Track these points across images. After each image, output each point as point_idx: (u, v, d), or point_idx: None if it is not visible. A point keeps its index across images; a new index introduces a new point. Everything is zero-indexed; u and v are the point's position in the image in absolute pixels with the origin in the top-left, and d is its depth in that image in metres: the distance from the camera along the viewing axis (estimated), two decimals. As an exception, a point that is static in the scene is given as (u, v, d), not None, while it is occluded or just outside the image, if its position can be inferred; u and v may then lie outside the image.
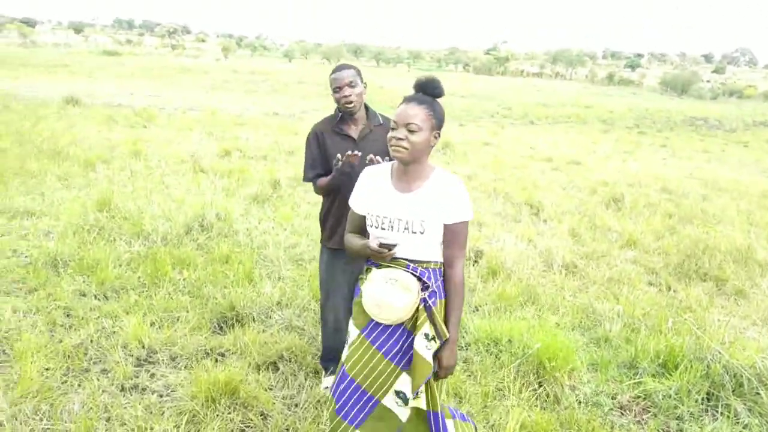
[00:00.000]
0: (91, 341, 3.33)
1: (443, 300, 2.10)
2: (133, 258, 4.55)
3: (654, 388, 3.22)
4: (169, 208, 5.82)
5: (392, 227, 2.07)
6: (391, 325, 2.06)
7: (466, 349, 3.68)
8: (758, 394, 3.06)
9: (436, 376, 2.09)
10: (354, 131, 2.92)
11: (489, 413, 2.95)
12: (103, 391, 2.89)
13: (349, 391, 2.09)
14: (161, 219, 5.41)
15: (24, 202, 5.80)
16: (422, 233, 2.04)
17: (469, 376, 3.34)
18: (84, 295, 3.92)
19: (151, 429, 2.62)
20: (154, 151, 9.23)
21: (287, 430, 2.73)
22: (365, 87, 2.87)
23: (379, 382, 2.07)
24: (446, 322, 2.08)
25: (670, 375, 3.30)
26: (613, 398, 3.23)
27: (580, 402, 3.14)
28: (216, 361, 3.25)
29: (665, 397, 3.16)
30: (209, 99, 21.75)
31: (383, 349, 2.07)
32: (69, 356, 3.14)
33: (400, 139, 2.01)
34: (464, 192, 2.09)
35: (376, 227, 2.10)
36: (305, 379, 3.18)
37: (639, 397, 3.24)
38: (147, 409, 2.78)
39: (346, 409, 2.09)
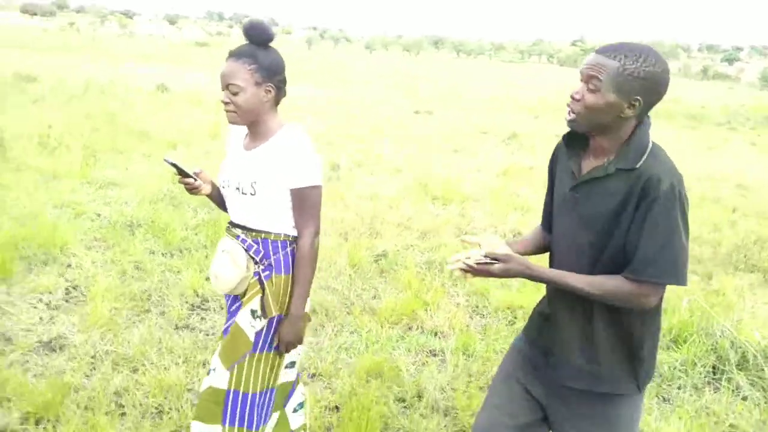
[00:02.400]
0: (154, 289, 3.86)
1: (289, 276, 1.92)
2: (198, 223, 5.09)
3: (661, 360, 3.36)
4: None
5: (227, 186, 1.96)
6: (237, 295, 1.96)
7: (486, 317, 3.95)
8: (762, 369, 3.14)
9: (278, 349, 1.95)
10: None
11: (491, 368, 3.21)
12: (159, 327, 3.39)
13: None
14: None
15: (111, 175, 6.51)
16: (252, 195, 1.87)
17: (483, 338, 3.61)
18: (153, 253, 4.46)
19: (195, 358, 3.07)
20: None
21: (309, 367, 3.12)
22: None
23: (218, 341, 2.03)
24: (291, 296, 1.93)
25: (679, 349, 3.43)
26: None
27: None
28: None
29: (671, 368, 3.30)
30: (288, 87, 22.63)
31: (231, 311, 2.01)
32: (134, 299, 3.68)
33: (226, 102, 1.85)
34: (310, 154, 1.88)
35: (220, 186, 2.02)
36: (331, 330, 3.56)
37: (646, 368, 3.39)
38: (194, 343, 3.24)
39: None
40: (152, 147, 8.21)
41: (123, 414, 2.61)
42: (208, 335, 3.38)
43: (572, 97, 1.59)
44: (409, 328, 3.74)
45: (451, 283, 4.51)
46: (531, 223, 6.33)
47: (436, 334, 3.71)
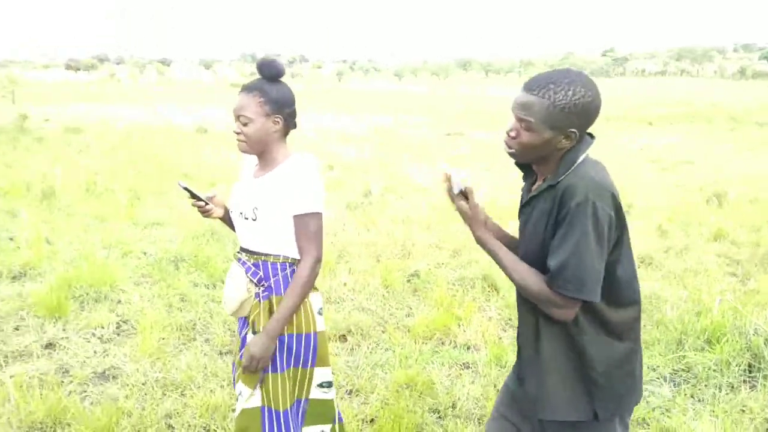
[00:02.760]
0: (199, 318, 4.07)
1: (281, 297, 1.99)
2: (237, 256, 5.32)
3: (695, 361, 3.36)
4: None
5: (234, 211, 2.08)
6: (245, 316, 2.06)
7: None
8: (799, 366, 3.12)
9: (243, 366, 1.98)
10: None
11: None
12: (204, 354, 3.58)
13: (233, 367, 2.18)
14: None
15: (155, 215, 6.84)
16: (254, 220, 1.99)
17: (515, 349, 3.67)
18: (196, 285, 4.69)
19: (237, 381, 3.24)
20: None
21: (346, 384, 3.25)
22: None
23: (237, 366, 2.10)
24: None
25: (713, 349, 3.42)
26: (654, 370, 3.41)
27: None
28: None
29: (705, 369, 3.30)
30: (321, 120, 23.19)
31: (242, 337, 2.10)
32: (180, 329, 3.89)
33: (237, 133, 1.98)
34: (311, 182, 1.96)
35: (230, 211, 2.12)
36: (367, 348, 3.68)
37: (681, 369, 3.39)
38: (236, 367, 3.41)
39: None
40: (194, 187, 8.56)
41: (173, 435, 2.78)
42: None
43: (508, 134, 1.63)
44: (442, 343, 3.84)
45: (483, 298, 4.60)
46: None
47: (468, 347, 3.79)
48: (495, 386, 3.25)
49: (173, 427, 2.83)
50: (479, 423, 2.95)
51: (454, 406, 3.08)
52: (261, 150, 2.02)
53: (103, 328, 3.90)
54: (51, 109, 25.27)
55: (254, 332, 2.01)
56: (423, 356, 3.61)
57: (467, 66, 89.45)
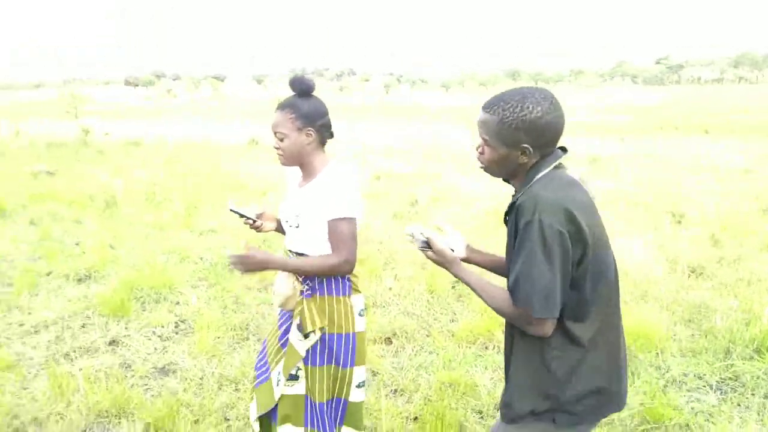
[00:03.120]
0: (251, 319, 4.26)
1: (323, 297, 2.13)
2: (287, 262, 5.52)
3: (743, 369, 3.32)
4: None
5: (282, 219, 2.24)
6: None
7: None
8: None
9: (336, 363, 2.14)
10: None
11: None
12: (256, 352, 3.75)
13: (261, 355, 2.37)
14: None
15: (210, 223, 7.14)
16: (297, 227, 2.13)
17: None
18: (249, 289, 4.90)
19: (287, 378, 3.39)
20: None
21: (391, 384, 3.36)
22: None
23: (272, 356, 2.27)
24: (329, 314, 2.14)
25: (762, 358, 3.37)
26: (700, 378, 3.38)
27: (666, 381, 3.35)
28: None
29: (753, 377, 3.25)
30: (367, 133, 23.49)
31: (281, 329, 2.25)
32: (234, 329, 4.08)
33: (276, 148, 2.14)
34: (346, 189, 2.08)
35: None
36: (411, 351, 3.78)
37: (729, 378, 3.35)
38: (286, 366, 3.57)
39: (257, 370, 2.35)
40: (246, 196, 8.90)
41: (228, 426, 2.95)
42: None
43: (477, 150, 1.71)
44: (486, 348, 3.89)
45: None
46: (614, 246, 6.29)
47: (512, 352, 3.84)
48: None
49: (228, 419, 3.00)
50: (521, 424, 3.00)
51: (497, 408, 3.14)
52: (299, 162, 2.17)
53: (162, 327, 4.14)
54: (111, 123, 26.47)
55: (299, 328, 2.13)
56: (466, 359, 3.68)
57: (516, 76, 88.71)
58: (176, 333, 4.09)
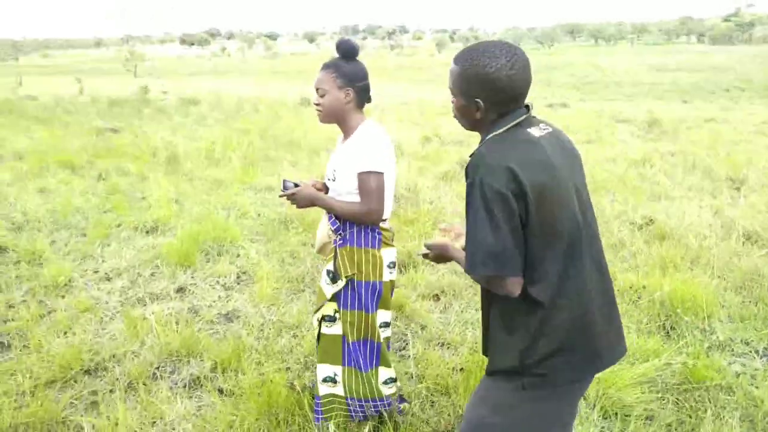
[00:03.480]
0: (307, 273, 4.49)
1: (360, 249, 2.33)
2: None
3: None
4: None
5: (326, 178, 2.47)
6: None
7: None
8: None
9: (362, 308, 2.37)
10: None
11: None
12: (312, 303, 3.98)
13: None
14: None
15: (266, 180, 7.40)
16: (334, 181, 2.34)
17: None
18: (304, 244, 5.13)
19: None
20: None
21: (438, 337, 3.53)
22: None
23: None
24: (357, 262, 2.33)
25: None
26: (747, 344, 3.41)
27: (710, 344, 3.39)
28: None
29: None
30: (419, 93, 23.31)
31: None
32: (291, 281, 4.33)
33: (316, 104, 2.32)
34: (374, 145, 2.25)
35: None
36: (458, 308, 3.93)
37: (776, 344, 3.37)
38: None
39: None
40: (299, 155, 9.12)
41: (288, 368, 3.19)
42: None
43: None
44: (533, 307, 4.00)
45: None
46: (668, 210, 6.22)
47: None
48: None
49: (287, 361, 3.24)
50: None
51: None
52: (336, 119, 2.36)
53: (225, 277, 4.42)
54: (168, 81, 27.11)
55: (328, 273, 2.39)
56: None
57: (575, 33, 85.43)
58: (238, 283, 4.36)
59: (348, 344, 2.41)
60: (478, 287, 4.18)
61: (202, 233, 5.06)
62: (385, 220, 2.40)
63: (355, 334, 2.40)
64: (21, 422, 2.68)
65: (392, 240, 2.50)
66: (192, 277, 4.43)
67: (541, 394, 1.68)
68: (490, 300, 1.75)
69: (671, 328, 3.55)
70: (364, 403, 2.47)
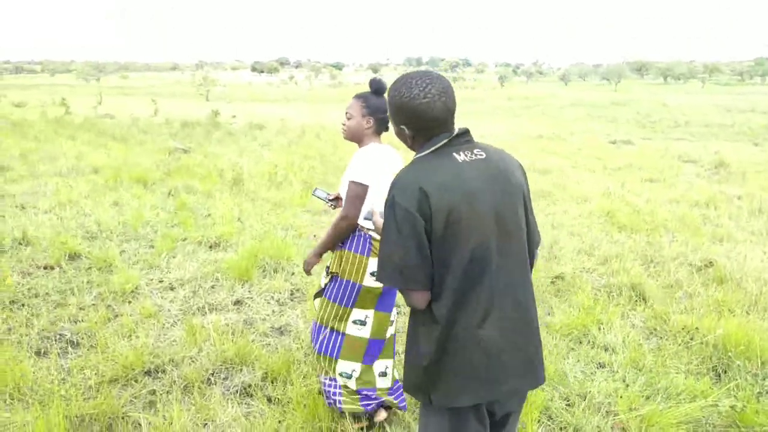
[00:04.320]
0: (357, 294, 4.61)
1: (345, 251, 2.67)
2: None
3: None
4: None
5: None
6: None
7: (663, 338, 4.02)
8: None
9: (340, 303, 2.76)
10: None
11: (657, 380, 3.34)
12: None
13: None
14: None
15: (322, 204, 7.63)
16: (340, 189, 2.77)
17: (657, 356, 3.72)
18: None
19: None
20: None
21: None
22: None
23: None
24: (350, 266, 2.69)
25: None
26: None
27: (760, 389, 3.29)
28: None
29: None
30: (478, 125, 23.38)
31: None
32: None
33: (343, 124, 2.75)
34: (368, 159, 2.59)
35: None
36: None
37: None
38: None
39: None
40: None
41: (332, 383, 3.30)
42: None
43: None
44: (580, 342, 3.98)
45: (629, 306, 4.62)
46: (729, 254, 6.05)
47: (606, 349, 3.90)
48: (628, 385, 3.37)
49: (333, 377, 3.35)
50: (606, 415, 3.10)
51: (584, 397, 3.25)
52: (355, 140, 2.77)
53: (279, 293, 4.61)
54: (238, 106, 28.24)
55: (327, 268, 2.83)
56: (558, 350, 3.80)
57: (643, 70, 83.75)
58: (291, 299, 4.54)
59: (317, 326, 2.83)
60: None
61: (260, 250, 5.29)
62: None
63: (326, 320, 2.79)
64: (87, 413, 2.90)
65: None
66: (249, 291, 4.63)
67: (446, 411, 1.76)
68: (411, 314, 1.85)
69: (723, 371, 3.47)
70: (328, 381, 2.85)
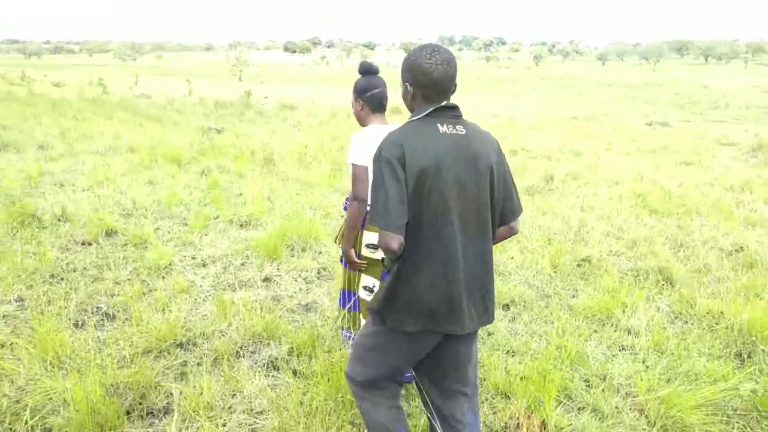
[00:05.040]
0: (382, 274, 4.70)
1: (343, 223, 2.88)
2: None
3: None
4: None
5: None
6: None
7: (688, 322, 4.01)
8: None
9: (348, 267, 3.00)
10: None
11: (678, 363, 3.35)
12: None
13: None
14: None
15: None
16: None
17: (681, 340, 3.71)
18: (382, 247, 5.35)
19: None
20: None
21: (504, 345, 3.61)
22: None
23: None
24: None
25: None
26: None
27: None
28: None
29: None
30: (512, 106, 23.11)
31: None
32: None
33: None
34: (361, 141, 2.69)
35: None
36: (528, 318, 4.00)
37: None
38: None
39: None
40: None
41: (356, 359, 3.40)
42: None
43: None
44: (603, 325, 3.99)
45: (656, 290, 4.60)
46: (761, 238, 5.94)
47: (630, 332, 3.90)
48: (648, 368, 3.38)
49: (357, 353, 3.45)
50: (626, 396, 3.13)
51: (603, 378, 3.28)
52: (360, 123, 2.92)
53: (307, 271, 4.72)
54: (270, 87, 28.43)
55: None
56: (581, 332, 3.82)
57: (683, 50, 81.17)
58: (318, 278, 4.65)
59: (343, 291, 3.10)
60: (550, 300, 4.24)
61: (289, 230, 5.41)
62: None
63: (344, 283, 3.07)
64: (121, 381, 3.05)
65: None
66: (277, 269, 4.76)
67: (397, 332, 2.07)
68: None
69: (747, 356, 3.46)
70: (350, 334, 3.12)
